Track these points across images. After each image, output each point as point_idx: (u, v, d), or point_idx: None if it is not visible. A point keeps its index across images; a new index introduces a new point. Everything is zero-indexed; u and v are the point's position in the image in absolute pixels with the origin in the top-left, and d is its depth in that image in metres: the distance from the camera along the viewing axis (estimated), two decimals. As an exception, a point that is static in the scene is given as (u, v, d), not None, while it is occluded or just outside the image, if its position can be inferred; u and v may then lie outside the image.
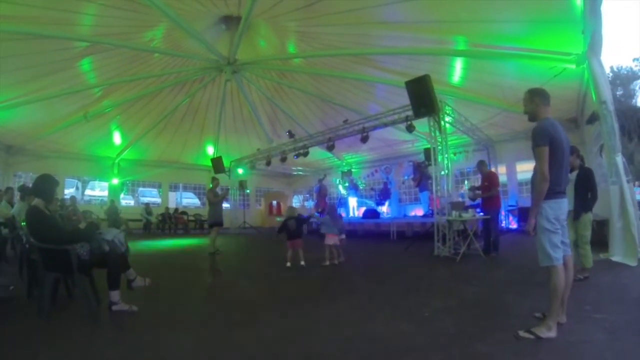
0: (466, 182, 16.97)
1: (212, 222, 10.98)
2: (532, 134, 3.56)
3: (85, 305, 4.26)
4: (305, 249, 8.17)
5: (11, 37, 9.33)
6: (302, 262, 7.78)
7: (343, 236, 8.56)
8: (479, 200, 9.82)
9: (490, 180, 9.16)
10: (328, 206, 9.45)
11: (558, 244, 3.47)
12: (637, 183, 21.82)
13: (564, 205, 3.56)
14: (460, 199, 12.18)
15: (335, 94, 14.90)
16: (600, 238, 8.30)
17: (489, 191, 9.04)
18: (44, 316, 4.09)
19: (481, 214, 9.59)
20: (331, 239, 8.17)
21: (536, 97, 3.72)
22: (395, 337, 3.54)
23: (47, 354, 3.25)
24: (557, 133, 3.48)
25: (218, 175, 16.43)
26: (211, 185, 11.26)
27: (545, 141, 3.44)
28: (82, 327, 3.99)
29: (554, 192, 3.48)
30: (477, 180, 14.00)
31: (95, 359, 3.20)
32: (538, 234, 3.53)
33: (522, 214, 13.60)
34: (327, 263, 8.03)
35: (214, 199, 10.91)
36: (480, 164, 9.72)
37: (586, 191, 5.71)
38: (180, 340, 3.57)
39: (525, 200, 13.65)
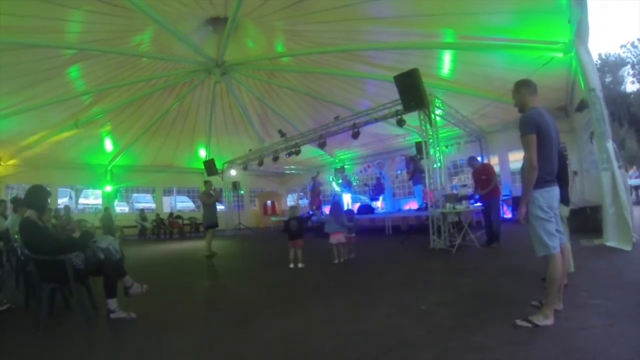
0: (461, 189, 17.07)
1: (207, 225, 10.95)
2: (519, 123, 3.60)
3: (83, 315, 4.24)
4: (306, 248, 8.16)
5: (-3, 48, 9.27)
6: (300, 264, 7.72)
7: (353, 234, 8.60)
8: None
9: (487, 173, 9.16)
10: (331, 204, 9.37)
11: (553, 232, 3.49)
12: (634, 169, 22.04)
13: (555, 193, 3.58)
14: (454, 192, 12.22)
15: (325, 91, 14.91)
16: (594, 224, 8.37)
17: (489, 183, 9.02)
18: (42, 329, 4.07)
19: (477, 204, 9.62)
20: (335, 238, 8.12)
21: (521, 88, 3.76)
22: (392, 332, 3.56)
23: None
24: (544, 122, 3.51)
25: (211, 177, 16.41)
26: (204, 188, 11.20)
27: (531, 130, 3.47)
28: (80, 337, 3.98)
29: (545, 181, 3.51)
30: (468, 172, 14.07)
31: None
32: (532, 224, 3.55)
33: (516, 203, 13.65)
34: (336, 261, 7.98)
35: (207, 200, 10.87)
36: (471, 160, 9.75)
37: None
38: (180, 346, 3.57)
39: (519, 190, 13.71)
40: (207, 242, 10.60)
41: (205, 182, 11.39)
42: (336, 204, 9.06)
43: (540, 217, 3.49)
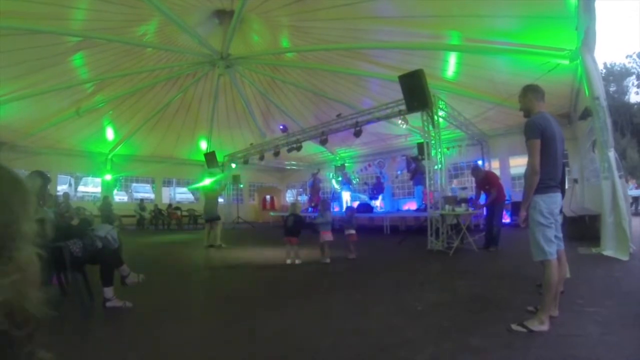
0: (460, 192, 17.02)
1: (207, 217, 11.10)
2: (524, 128, 3.60)
3: (79, 302, 4.24)
4: (303, 245, 8.14)
5: (1, 32, 9.23)
6: (297, 261, 7.73)
7: (353, 232, 8.51)
8: (482, 198, 9.68)
9: (490, 183, 9.06)
10: (321, 202, 9.35)
11: (552, 238, 3.50)
12: (634, 180, 22.08)
13: (557, 199, 3.58)
14: (454, 194, 12.20)
15: (328, 88, 14.91)
16: (593, 232, 8.37)
17: (490, 194, 8.98)
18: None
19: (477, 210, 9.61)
20: (325, 236, 8.08)
21: (529, 93, 3.75)
22: (388, 332, 3.56)
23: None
24: (549, 127, 3.50)
25: (212, 170, 16.50)
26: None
27: (536, 135, 3.47)
28: (76, 324, 3.97)
29: (548, 186, 3.51)
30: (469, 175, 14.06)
31: (90, 357, 3.20)
32: (532, 228, 3.56)
33: (515, 208, 13.64)
34: (327, 260, 7.92)
35: (210, 193, 11.01)
36: (474, 170, 9.68)
37: None
38: (175, 336, 3.57)
39: (518, 195, 13.72)
40: (218, 233, 10.87)
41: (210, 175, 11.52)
42: (324, 202, 9.01)
43: (540, 223, 3.49)
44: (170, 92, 16.17)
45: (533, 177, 3.46)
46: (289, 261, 7.75)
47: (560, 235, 3.71)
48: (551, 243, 3.49)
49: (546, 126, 3.49)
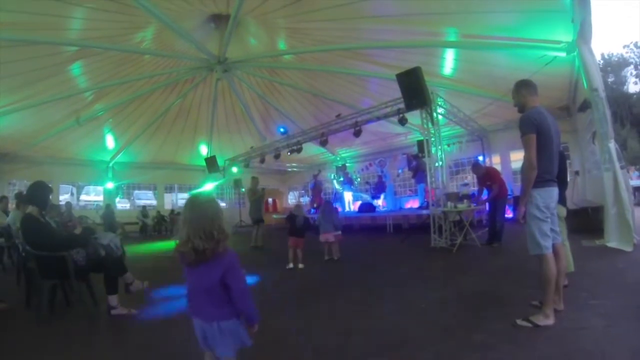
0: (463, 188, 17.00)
1: (253, 219, 11.78)
2: (519, 123, 3.61)
3: (84, 311, 4.25)
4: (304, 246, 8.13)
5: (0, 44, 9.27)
6: (301, 265, 7.59)
7: (339, 232, 8.47)
8: (484, 194, 9.68)
9: (491, 179, 9.09)
10: (323, 204, 9.36)
11: (547, 232, 3.51)
12: (633, 168, 22.02)
13: (554, 193, 3.59)
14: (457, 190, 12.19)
15: (327, 89, 14.88)
16: (596, 224, 8.35)
17: (491, 189, 9.01)
18: (43, 324, 4.08)
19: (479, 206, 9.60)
20: (324, 237, 8.20)
21: (522, 89, 3.76)
22: (393, 330, 3.57)
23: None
24: (544, 121, 3.51)
25: (213, 174, 16.56)
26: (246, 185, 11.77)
27: (531, 129, 3.48)
28: (81, 332, 3.99)
29: (544, 180, 3.52)
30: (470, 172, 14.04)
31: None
32: (528, 222, 3.58)
33: (517, 203, 13.57)
34: (327, 258, 8.18)
35: (251, 197, 11.79)
36: (474, 167, 9.71)
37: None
38: (181, 342, 3.57)
39: (520, 189, 13.65)
40: (260, 235, 11.51)
41: (252, 179, 11.89)
42: (327, 204, 9.03)
43: (536, 217, 3.51)
44: (169, 98, 16.15)
45: (531, 172, 3.46)
46: (291, 265, 7.62)
47: (557, 229, 3.71)
48: (547, 237, 3.50)
49: (541, 120, 3.49)
